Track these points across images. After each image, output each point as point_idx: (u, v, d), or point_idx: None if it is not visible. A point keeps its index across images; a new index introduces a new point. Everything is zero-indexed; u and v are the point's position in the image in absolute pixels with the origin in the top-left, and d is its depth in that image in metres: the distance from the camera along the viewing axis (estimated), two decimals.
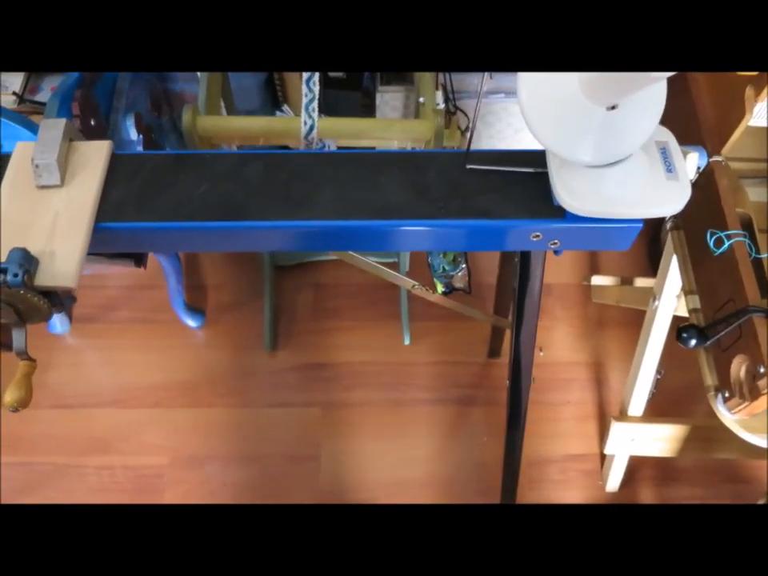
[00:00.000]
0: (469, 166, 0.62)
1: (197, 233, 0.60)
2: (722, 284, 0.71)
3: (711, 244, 0.70)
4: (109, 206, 0.61)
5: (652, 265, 1.56)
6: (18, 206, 0.60)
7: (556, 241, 0.62)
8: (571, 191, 0.57)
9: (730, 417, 0.70)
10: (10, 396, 0.56)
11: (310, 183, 0.62)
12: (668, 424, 1.20)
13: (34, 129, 0.84)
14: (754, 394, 0.64)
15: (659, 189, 0.57)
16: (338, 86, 1.42)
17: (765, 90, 0.66)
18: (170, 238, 0.60)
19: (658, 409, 1.29)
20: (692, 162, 0.58)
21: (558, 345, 1.51)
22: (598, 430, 1.40)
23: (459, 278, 1.37)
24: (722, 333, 0.68)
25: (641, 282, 1.35)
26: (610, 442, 1.23)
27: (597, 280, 1.42)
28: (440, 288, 1.37)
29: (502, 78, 1.38)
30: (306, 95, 0.70)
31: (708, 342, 0.71)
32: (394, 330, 1.51)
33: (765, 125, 0.71)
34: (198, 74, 0.98)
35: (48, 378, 1.46)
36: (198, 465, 1.36)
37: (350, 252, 0.74)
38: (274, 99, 1.43)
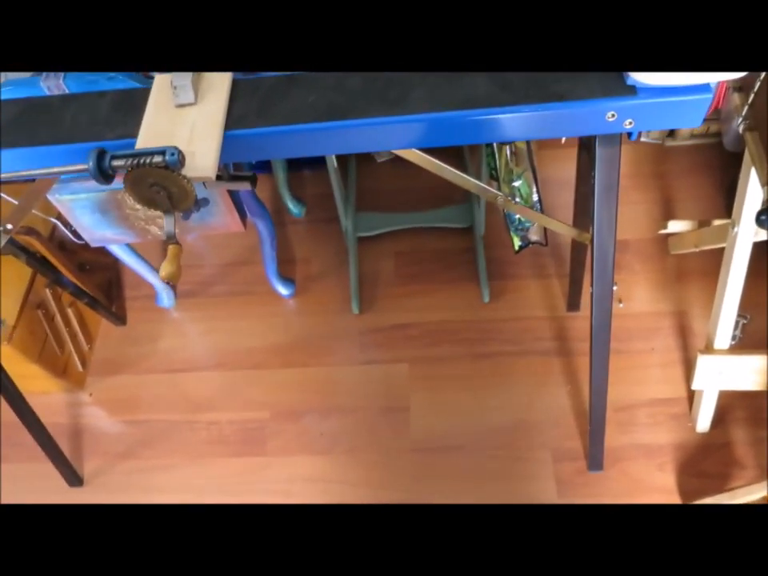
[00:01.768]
0: None
1: (310, 134, 0.70)
2: None
3: None
4: (234, 118, 0.71)
5: (729, 212, 1.56)
6: (160, 120, 0.72)
7: (630, 120, 0.68)
8: None
9: None
10: (164, 271, 0.67)
11: (402, 87, 0.70)
12: (755, 355, 1.20)
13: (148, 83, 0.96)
14: None
15: None
16: None
17: None
18: (286, 141, 0.70)
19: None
20: None
21: (639, 297, 1.53)
22: (684, 375, 1.41)
23: (535, 231, 1.42)
24: None
25: (719, 222, 1.35)
26: (697, 377, 1.24)
27: (674, 226, 1.43)
28: (517, 242, 1.43)
29: None
30: None
31: None
32: (473, 291, 1.58)
33: None
34: None
35: (159, 347, 1.60)
36: (296, 418, 1.46)
37: (446, 167, 0.81)
38: None
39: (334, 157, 1.26)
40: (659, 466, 1.31)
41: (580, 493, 1.30)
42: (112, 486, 1.43)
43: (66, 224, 1.49)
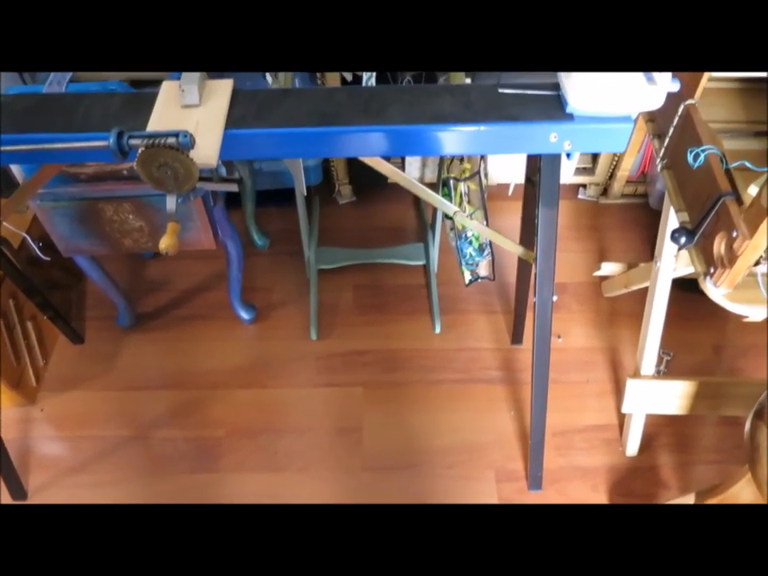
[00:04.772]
0: (501, 90, 0.83)
1: (302, 136, 0.80)
2: (702, 190, 0.89)
3: (691, 159, 0.90)
4: (234, 119, 0.82)
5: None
6: (168, 117, 0.81)
7: (569, 142, 0.82)
8: (576, 94, 0.78)
9: (717, 292, 0.87)
10: (163, 243, 0.75)
11: (383, 102, 0.83)
12: (678, 380, 1.34)
13: None
14: (732, 260, 0.81)
15: (642, 91, 0.77)
16: None
17: None
18: (280, 142, 0.81)
19: None
20: (666, 76, 0.79)
21: (576, 333, 1.66)
22: (616, 404, 1.53)
23: (484, 266, 1.55)
24: (705, 223, 0.86)
25: (645, 264, 1.52)
26: (626, 401, 1.36)
27: (606, 267, 1.60)
28: (467, 276, 1.56)
29: None
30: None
31: (695, 238, 0.89)
32: (425, 322, 1.68)
33: (723, 74, 0.93)
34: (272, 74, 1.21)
35: (115, 365, 1.62)
36: (252, 436, 1.49)
37: (419, 186, 0.93)
38: None
39: (303, 186, 1.37)
40: (593, 486, 1.41)
41: None
42: (57, 500, 1.41)
43: (35, 240, 1.53)
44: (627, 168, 1.82)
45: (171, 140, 0.70)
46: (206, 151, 0.77)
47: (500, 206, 1.91)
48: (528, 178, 1.18)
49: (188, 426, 1.52)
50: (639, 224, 1.87)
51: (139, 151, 0.71)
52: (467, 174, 1.39)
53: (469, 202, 1.47)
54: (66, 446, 1.50)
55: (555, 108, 0.81)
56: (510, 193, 1.93)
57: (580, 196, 1.96)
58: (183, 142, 0.70)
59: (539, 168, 0.90)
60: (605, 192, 1.93)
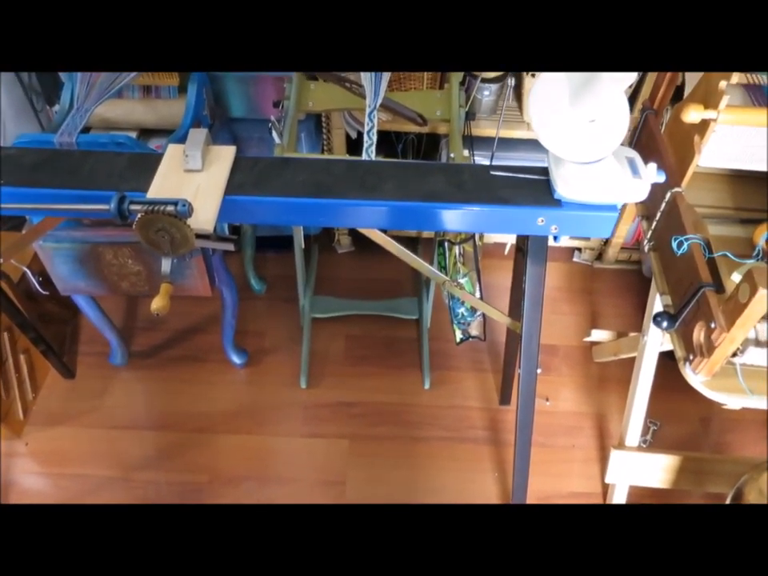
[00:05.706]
0: (492, 173, 0.86)
1: (296, 206, 0.83)
2: (685, 277, 0.92)
3: (675, 247, 0.92)
4: (234, 185, 0.85)
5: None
6: (170, 180, 0.84)
7: (555, 226, 0.84)
8: (564, 182, 0.81)
9: (696, 379, 0.88)
10: (155, 304, 0.77)
11: (378, 177, 0.86)
12: (663, 454, 1.34)
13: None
14: (711, 350, 0.83)
15: (627, 184, 0.80)
16: None
17: (707, 135, 0.92)
18: (276, 210, 0.83)
19: None
20: (651, 169, 0.82)
21: (564, 397, 1.67)
22: (600, 472, 1.53)
23: (475, 326, 1.57)
24: (685, 310, 0.88)
25: (634, 334, 1.54)
26: (610, 471, 1.36)
27: (596, 334, 1.61)
28: (458, 334, 1.57)
29: None
30: (368, 123, 0.96)
31: (676, 323, 0.91)
32: (415, 377, 1.69)
33: (710, 165, 0.96)
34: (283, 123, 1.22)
35: (103, 403, 1.63)
36: (235, 483, 1.49)
37: (405, 250, 0.96)
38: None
39: (301, 238, 1.40)
40: None
41: None
42: None
43: (35, 274, 1.56)
44: (622, 235, 1.85)
45: (170, 208, 0.73)
46: (204, 216, 0.79)
47: (495, 264, 1.93)
48: (518, 247, 1.21)
49: (172, 469, 1.51)
50: (632, 290, 1.89)
51: (138, 216, 0.74)
52: (463, 237, 1.42)
53: (463, 263, 1.49)
54: (47, 483, 1.49)
55: (544, 193, 0.84)
56: (505, 252, 1.96)
57: (575, 259, 1.98)
58: (181, 211, 0.72)
59: (527, 245, 0.92)
60: (599, 256, 1.96)
